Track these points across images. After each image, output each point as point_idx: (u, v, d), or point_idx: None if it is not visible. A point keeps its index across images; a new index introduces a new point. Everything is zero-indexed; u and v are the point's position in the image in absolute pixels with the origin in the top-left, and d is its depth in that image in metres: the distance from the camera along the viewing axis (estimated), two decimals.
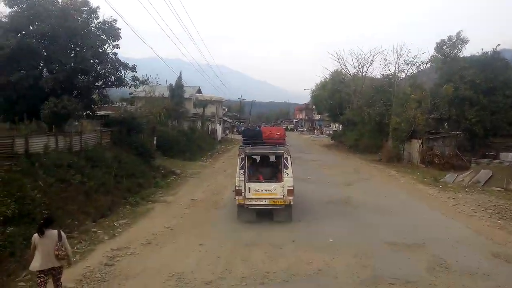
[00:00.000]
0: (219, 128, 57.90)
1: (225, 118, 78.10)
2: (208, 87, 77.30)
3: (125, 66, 20.30)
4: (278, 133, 14.45)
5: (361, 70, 44.63)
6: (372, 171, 27.19)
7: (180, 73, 56.77)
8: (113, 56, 19.74)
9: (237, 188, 12.31)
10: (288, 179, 12.26)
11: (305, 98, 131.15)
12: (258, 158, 14.11)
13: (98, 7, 19.78)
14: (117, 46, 19.74)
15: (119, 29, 19.54)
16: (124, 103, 56.62)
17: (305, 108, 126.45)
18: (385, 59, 36.26)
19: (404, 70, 36.46)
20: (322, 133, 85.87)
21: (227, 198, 16.11)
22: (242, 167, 12.26)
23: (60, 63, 17.55)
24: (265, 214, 12.66)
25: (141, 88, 55.85)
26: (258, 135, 14.17)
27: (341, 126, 75.32)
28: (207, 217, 13.62)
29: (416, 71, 36.17)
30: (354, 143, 42.49)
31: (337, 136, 51.97)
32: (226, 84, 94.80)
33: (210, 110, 59.22)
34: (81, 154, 15.39)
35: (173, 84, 57.30)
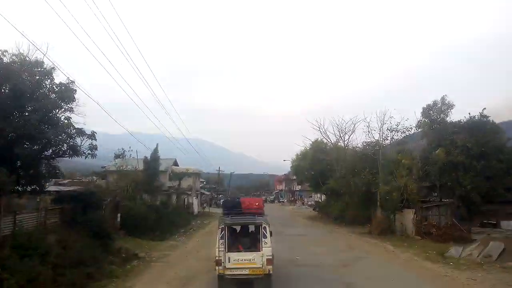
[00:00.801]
0: (195, 202, 54.39)
1: (203, 191, 74.66)
2: (188, 160, 74.93)
3: (81, 133, 17.53)
4: (257, 204, 14.54)
5: (342, 139, 43.03)
6: (366, 247, 24.12)
7: (157, 145, 54.29)
8: (67, 121, 17.00)
9: (217, 258, 12.20)
10: (267, 248, 12.35)
11: (284, 169, 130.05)
12: (238, 228, 14.10)
13: (53, 68, 17.45)
14: (71, 110, 17.08)
15: (74, 90, 17.06)
16: (94, 177, 53.26)
17: (285, 179, 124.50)
18: (368, 126, 34.28)
19: (388, 137, 34.98)
20: (303, 204, 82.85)
21: None
22: (222, 237, 12.35)
23: None
24: (246, 285, 12.39)
25: (115, 162, 53.04)
26: (238, 205, 14.20)
27: (323, 196, 72.96)
28: None
29: (401, 137, 34.64)
30: (339, 214, 39.59)
31: (321, 207, 49.06)
32: (205, 157, 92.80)
33: (186, 183, 56.10)
34: (5, 242, 11.96)
35: (148, 157, 54.76)
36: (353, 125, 41.78)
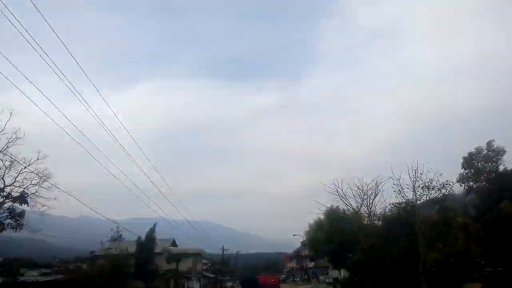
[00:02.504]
0: (197, 286, 46.61)
1: (206, 273, 66.29)
2: (190, 243, 68.28)
3: None
4: (272, 280, 17.33)
5: (366, 203, 36.18)
6: None
7: (154, 225, 48.21)
8: None
9: None
10: None
11: (293, 246, 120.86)
12: None
13: None
14: None
15: None
16: (80, 263, 46.21)
17: (296, 256, 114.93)
18: (399, 183, 28.15)
19: (423, 196, 29.04)
20: (319, 282, 73.59)
21: None
22: None
23: None
24: None
25: (103, 246, 46.25)
26: (255, 284, 15.69)
27: (342, 272, 64.30)
28: None
29: (438, 194, 28.64)
30: None
31: (345, 286, 41.04)
32: (208, 237, 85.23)
33: (186, 265, 48.83)
34: None
35: (142, 238, 48.15)
36: (376, 186, 35.38)
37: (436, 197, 28.38)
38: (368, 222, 35.72)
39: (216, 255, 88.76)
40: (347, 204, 36.25)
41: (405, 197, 30.40)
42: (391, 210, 31.79)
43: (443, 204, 27.31)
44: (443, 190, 28.22)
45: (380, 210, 34.97)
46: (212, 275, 74.29)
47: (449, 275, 22.81)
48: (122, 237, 52.92)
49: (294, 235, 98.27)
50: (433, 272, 24.98)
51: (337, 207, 41.34)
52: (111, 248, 41.93)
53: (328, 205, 41.91)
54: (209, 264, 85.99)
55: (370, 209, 35.65)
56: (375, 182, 35.06)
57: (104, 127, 20.11)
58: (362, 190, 34.97)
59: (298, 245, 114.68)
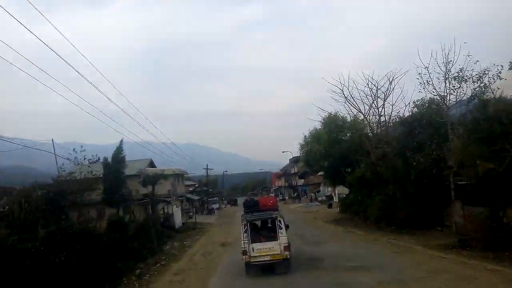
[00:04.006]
0: (177, 212, 41.20)
1: (190, 195, 61.33)
2: (176, 165, 62.69)
3: None
4: (271, 202, 17.90)
5: (376, 105, 29.04)
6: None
7: (121, 142, 41.27)
8: None
9: (243, 249, 14.82)
10: (283, 237, 14.86)
11: (281, 166, 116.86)
12: (258, 223, 16.79)
13: None
14: None
15: None
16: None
17: (284, 173, 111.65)
18: (428, 73, 20.23)
19: (455, 90, 21.91)
20: (311, 201, 69.83)
21: None
22: (245, 232, 15.02)
23: None
24: (269, 268, 14.83)
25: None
26: (256, 205, 17.28)
27: (335, 190, 60.02)
28: None
29: (475, 88, 21.54)
30: (383, 215, 26.61)
31: (347, 205, 35.70)
32: (194, 160, 79.99)
33: (166, 188, 42.92)
34: None
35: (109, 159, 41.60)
36: (389, 83, 27.89)
37: (475, 89, 21.42)
38: (378, 131, 29.29)
39: (203, 176, 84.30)
40: (354, 106, 29.23)
41: (434, 91, 23.11)
42: (410, 111, 25.14)
43: (484, 99, 20.58)
44: (483, 80, 21.15)
45: (396, 112, 28.14)
46: (197, 197, 69.69)
47: (489, 193, 16.88)
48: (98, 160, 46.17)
49: (283, 151, 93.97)
50: (468, 188, 19.17)
51: (336, 114, 34.59)
52: (74, 172, 35.12)
53: (328, 114, 35.12)
54: (196, 185, 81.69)
55: (381, 113, 28.96)
56: (388, 77, 27.85)
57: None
58: (373, 87, 27.79)
59: (284, 164, 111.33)
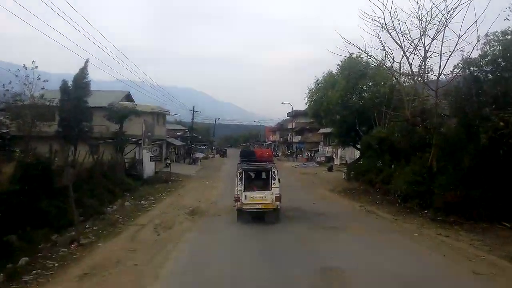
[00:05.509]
0: (147, 156, 33.75)
1: (171, 140, 53.80)
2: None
3: None
4: (267, 154, 19.42)
5: (423, 41, 19.66)
6: None
7: (86, 62, 33.24)
8: None
9: (236, 196, 15.31)
10: (275, 188, 15.41)
11: (278, 121, 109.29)
12: (253, 174, 17.08)
13: None
14: None
15: None
16: None
17: (279, 128, 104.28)
18: None
19: None
20: (308, 160, 62.87)
21: None
22: (240, 179, 15.40)
23: None
24: (259, 216, 15.36)
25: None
26: (252, 155, 18.13)
27: (338, 151, 52.75)
28: None
29: None
30: (412, 191, 19.19)
31: (360, 172, 28.13)
32: (185, 105, 72.32)
33: (139, 126, 35.30)
34: None
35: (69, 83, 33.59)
36: (446, 16, 18.96)
37: None
38: (418, 79, 21.00)
39: (196, 123, 76.73)
40: (394, 39, 20.38)
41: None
42: (481, 49, 16.88)
43: None
44: None
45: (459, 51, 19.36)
46: (181, 143, 62.29)
47: None
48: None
49: (282, 103, 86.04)
50: None
51: (360, 55, 25.95)
52: (18, 98, 26.56)
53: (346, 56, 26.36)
54: (186, 131, 74.26)
55: (427, 54, 20.19)
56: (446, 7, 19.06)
57: None
58: (424, 17, 19.09)
59: (283, 117, 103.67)
